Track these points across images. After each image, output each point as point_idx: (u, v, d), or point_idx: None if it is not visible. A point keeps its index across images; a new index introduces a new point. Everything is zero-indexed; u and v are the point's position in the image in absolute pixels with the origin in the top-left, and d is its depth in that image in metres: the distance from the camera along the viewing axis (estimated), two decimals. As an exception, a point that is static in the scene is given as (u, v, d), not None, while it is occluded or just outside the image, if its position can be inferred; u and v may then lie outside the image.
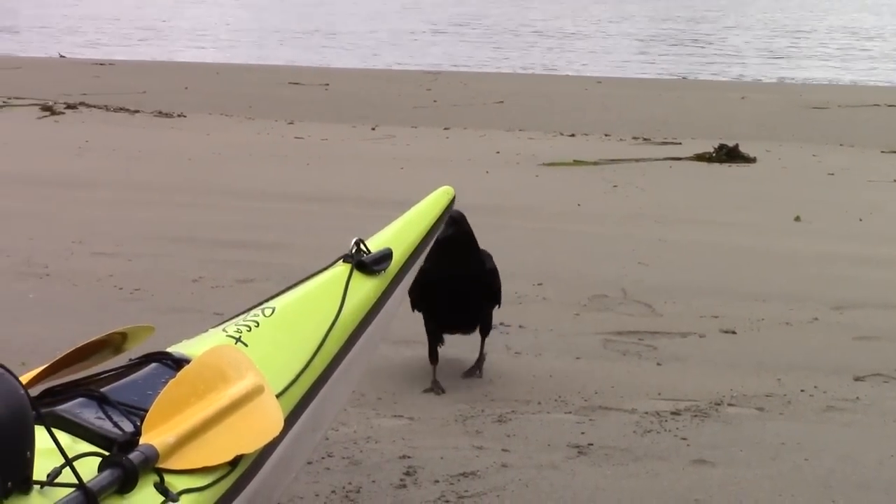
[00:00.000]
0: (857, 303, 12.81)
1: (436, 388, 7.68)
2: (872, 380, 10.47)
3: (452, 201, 7.75)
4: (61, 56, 41.96)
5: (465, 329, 8.62)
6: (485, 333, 8.38)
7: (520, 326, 11.54)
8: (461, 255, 7.71)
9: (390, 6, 71.90)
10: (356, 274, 7.04)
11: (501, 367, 10.42)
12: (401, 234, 7.45)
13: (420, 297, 8.22)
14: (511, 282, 12.74)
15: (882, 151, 24.46)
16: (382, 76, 38.01)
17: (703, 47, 53.64)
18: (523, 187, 19.12)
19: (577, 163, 21.17)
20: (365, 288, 7.06)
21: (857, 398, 10.03)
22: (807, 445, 9.08)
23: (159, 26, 59.67)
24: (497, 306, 8.46)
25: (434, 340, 8.09)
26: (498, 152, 21.69)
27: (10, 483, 4.73)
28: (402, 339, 9.86)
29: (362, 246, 7.14)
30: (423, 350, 10.18)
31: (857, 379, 10.52)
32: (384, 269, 7.16)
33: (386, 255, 7.20)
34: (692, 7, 76.41)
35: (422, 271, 7.47)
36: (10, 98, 28.02)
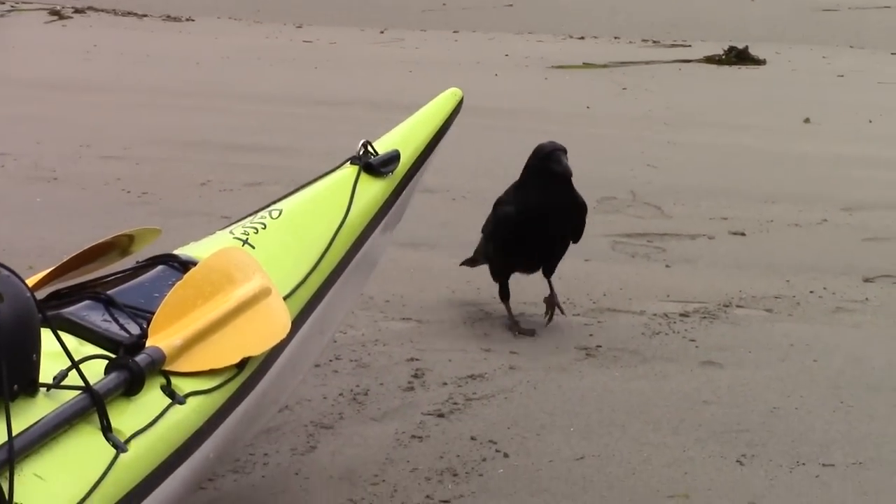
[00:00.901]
0: (867, 204, 12.86)
1: (517, 328, 7.56)
2: (882, 281, 10.54)
3: (460, 103, 7.74)
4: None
5: (546, 265, 8.29)
6: (550, 274, 8.20)
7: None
8: (566, 189, 7.55)
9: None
10: (363, 176, 7.03)
11: None
12: (408, 136, 7.44)
13: (510, 232, 7.88)
14: None
15: (892, 53, 24.61)
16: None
17: (713, -51, 53.12)
18: (532, 90, 19.16)
19: (586, 65, 21.25)
20: (372, 190, 7.06)
21: (867, 299, 10.09)
22: (816, 346, 9.12)
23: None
24: (575, 242, 8.33)
25: (506, 278, 7.95)
26: (507, 55, 21.73)
27: (16, 386, 4.72)
28: (410, 241, 9.89)
29: (370, 148, 7.14)
30: (432, 252, 10.22)
31: (866, 280, 10.59)
32: (392, 171, 7.16)
33: (393, 157, 7.20)
34: None
35: (512, 207, 7.53)
36: (18, 2, 27.93)
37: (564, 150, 7.44)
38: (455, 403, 7.94)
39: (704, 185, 13.43)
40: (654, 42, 23.75)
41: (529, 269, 8.06)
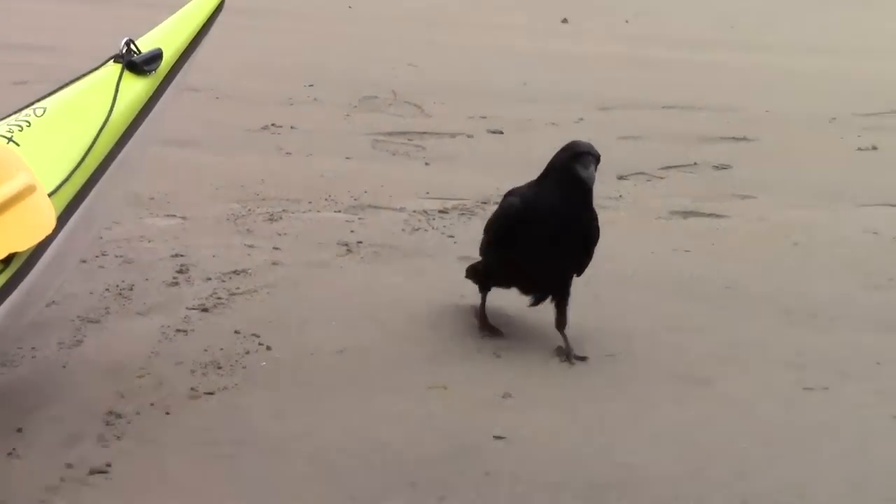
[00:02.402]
0: (621, 103, 13.08)
1: (487, 328, 7.23)
2: (635, 178, 10.73)
3: (222, 3, 7.79)
4: None
5: (534, 289, 7.28)
6: (563, 304, 7.26)
7: (291, 127, 11.65)
8: (578, 196, 6.96)
9: None
10: (127, 74, 7.12)
11: (272, 167, 10.55)
12: (171, 34, 7.50)
13: (510, 227, 7.13)
14: (282, 83, 12.86)
15: None
16: None
17: None
18: None
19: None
20: (136, 88, 7.14)
21: (620, 196, 10.30)
22: None
23: None
24: (578, 275, 7.35)
25: (487, 287, 7.27)
26: None
27: None
28: (175, 140, 9.90)
29: (133, 46, 7.21)
30: (197, 150, 10.32)
31: (620, 178, 10.81)
32: (155, 70, 7.23)
33: (156, 56, 7.27)
34: None
35: (519, 198, 7.12)
36: None
37: (598, 158, 6.93)
38: (219, 298, 8.04)
39: (464, 85, 13.59)
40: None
41: (524, 287, 7.30)
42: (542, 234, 6.85)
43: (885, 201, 10.16)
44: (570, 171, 6.79)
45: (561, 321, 6.97)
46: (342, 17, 17.09)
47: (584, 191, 6.89)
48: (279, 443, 6.36)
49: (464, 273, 7.94)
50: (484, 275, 7.19)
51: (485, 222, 8.91)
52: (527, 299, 7.07)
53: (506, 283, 7.07)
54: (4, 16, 16.27)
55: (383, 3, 18.32)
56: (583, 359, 7.12)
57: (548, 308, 7.47)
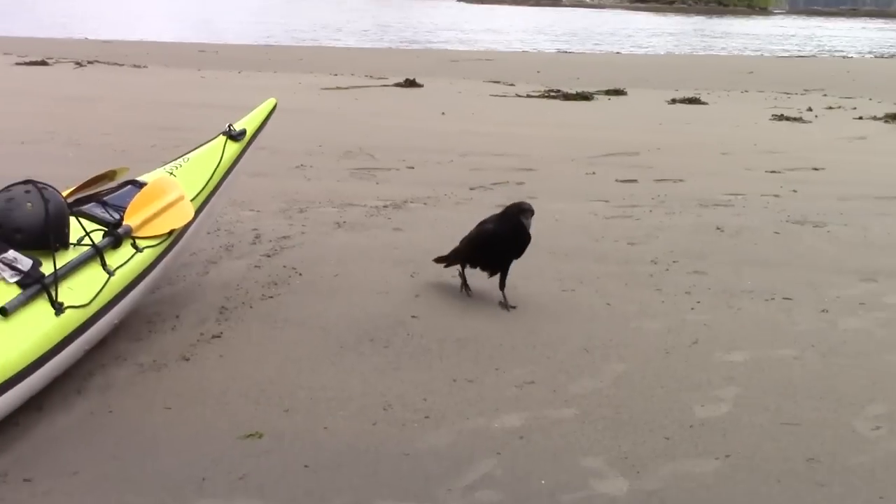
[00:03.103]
0: (472, 152, 13.04)
1: (467, 290, 6.96)
2: (479, 189, 10.70)
3: (276, 106, 8.01)
4: None
5: (492, 270, 6.91)
6: (505, 275, 6.85)
7: (311, 166, 11.70)
8: (521, 228, 6.60)
9: None
10: (228, 141, 7.37)
11: (301, 186, 10.59)
12: (250, 121, 7.74)
13: (481, 245, 6.86)
14: (307, 144, 12.78)
15: (484, 81, 24.35)
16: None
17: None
18: (311, 100, 18.93)
19: (338, 88, 21.16)
20: (233, 148, 7.41)
21: (471, 198, 10.27)
22: (449, 218, 9.10)
23: None
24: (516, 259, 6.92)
25: (469, 267, 6.98)
26: (299, 83, 21.38)
27: (58, 244, 5.39)
28: (252, 172, 9.44)
29: (232, 126, 7.47)
30: (263, 178, 10.32)
31: (471, 189, 10.72)
32: (242, 139, 7.45)
33: (243, 132, 7.54)
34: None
35: (492, 226, 6.77)
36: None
37: (532, 212, 6.66)
38: (275, 250, 8.03)
39: (395, 145, 13.42)
40: (370, 76, 23.58)
41: (485, 268, 6.89)
42: (501, 247, 6.70)
43: (599, 199, 10.24)
44: (519, 219, 6.60)
45: (502, 284, 6.76)
46: (337, 112, 16.96)
47: (524, 226, 6.62)
48: (304, 319, 6.56)
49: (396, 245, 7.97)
50: (462, 261, 6.92)
51: (405, 213, 9.00)
52: (485, 274, 6.86)
53: (474, 266, 6.86)
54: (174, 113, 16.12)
55: (355, 106, 18.17)
56: (513, 307, 6.74)
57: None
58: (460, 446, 4.88)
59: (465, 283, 7.01)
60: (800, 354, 6.11)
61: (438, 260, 7.22)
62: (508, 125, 16.06)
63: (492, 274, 6.83)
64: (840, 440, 5.00)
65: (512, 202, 6.94)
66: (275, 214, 9.23)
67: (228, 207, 8.89)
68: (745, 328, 6.56)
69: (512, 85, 22.77)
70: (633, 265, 7.90)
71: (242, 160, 7.52)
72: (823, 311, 6.91)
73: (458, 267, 7.09)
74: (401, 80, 22.10)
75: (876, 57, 42.14)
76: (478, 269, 6.97)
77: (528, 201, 6.84)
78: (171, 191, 6.57)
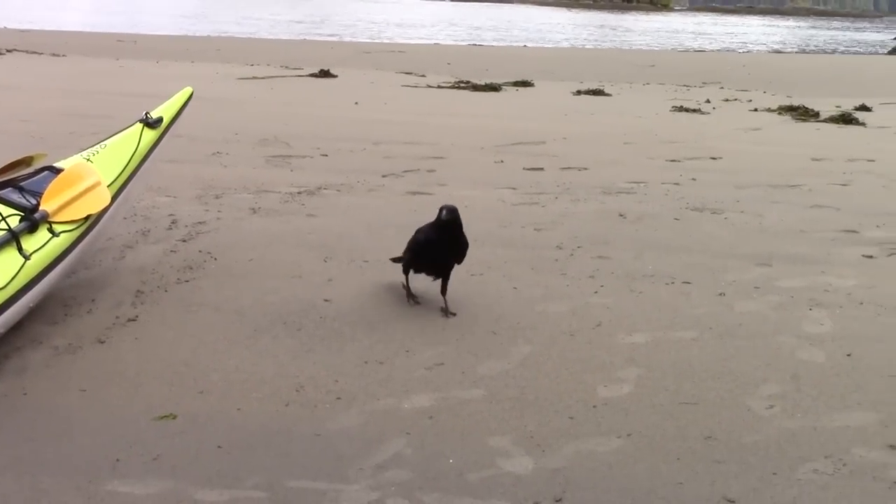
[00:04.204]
0: (384, 140, 12.99)
1: (412, 298, 6.70)
2: (390, 177, 10.65)
3: (192, 95, 7.90)
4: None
5: (434, 274, 6.53)
6: (446, 281, 6.47)
7: (227, 154, 11.60)
8: (451, 233, 6.33)
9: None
10: (145, 128, 7.25)
11: (218, 173, 10.49)
12: (166, 109, 7.63)
13: (415, 252, 6.51)
14: (223, 132, 12.67)
15: (396, 72, 24.36)
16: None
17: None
18: (228, 89, 18.85)
19: (254, 78, 21.08)
20: (149, 135, 7.29)
21: (383, 185, 10.22)
22: (362, 204, 9.19)
23: None
24: (458, 264, 6.56)
25: (412, 272, 6.78)
26: (217, 73, 21.28)
27: None
28: (169, 158, 9.00)
29: (148, 114, 7.35)
30: (180, 165, 10.20)
31: (383, 176, 10.68)
32: (158, 126, 7.34)
33: (160, 119, 7.43)
34: None
35: (423, 235, 6.45)
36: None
37: (451, 210, 6.31)
38: (191, 235, 7.95)
39: (309, 133, 13.36)
40: (286, 67, 23.49)
41: (428, 273, 6.53)
42: (435, 251, 6.37)
43: (506, 186, 10.29)
44: (452, 224, 6.26)
45: (444, 290, 6.43)
46: (253, 101, 16.86)
47: (453, 226, 6.30)
48: (218, 303, 6.49)
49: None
50: (406, 268, 6.53)
51: (319, 199, 8.96)
52: (429, 279, 6.49)
53: (418, 271, 6.47)
54: (90, 101, 15.89)
55: (270, 94, 18.08)
56: (453, 314, 6.36)
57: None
58: (371, 427, 4.85)
59: (408, 291, 6.60)
60: (698, 336, 6.15)
61: (395, 260, 6.86)
62: (420, 115, 16.03)
63: (436, 278, 6.50)
64: (736, 419, 5.03)
65: (443, 205, 6.52)
66: (191, 200, 9.12)
67: (145, 193, 8.77)
68: (646, 311, 6.58)
69: (423, 76, 22.76)
70: (540, 250, 7.90)
71: (159, 147, 7.40)
72: (721, 294, 6.96)
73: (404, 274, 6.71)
74: (316, 70, 22.03)
75: (770, 52, 42.74)
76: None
77: (451, 203, 6.49)
78: (87, 176, 6.45)
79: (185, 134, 10.25)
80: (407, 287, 6.58)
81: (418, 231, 6.49)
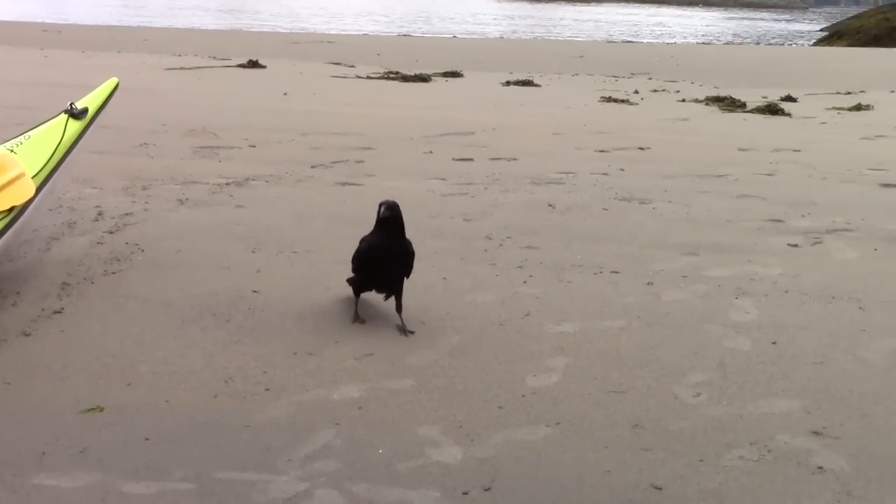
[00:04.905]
0: (313, 131, 12.97)
1: (357, 317, 6.24)
2: (319, 167, 10.64)
3: (117, 86, 7.83)
4: None
5: (385, 290, 6.11)
6: (399, 298, 6.02)
7: (154, 144, 11.49)
8: (395, 235, 5.92)
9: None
10: (70, 119, 7.17)
11: (145, 164, 10.40)
12: (92, 100, 7.55)
13: (360, 263, 6.02)
14: (150, 123, 12.60)
15: (325, 63, 24.23)
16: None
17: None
18: (154, 79, 18.66)
19: (182, 68, 20.92)
20: (74, 126, 7.21)
21: (312, 176, 10.20)
22: (290, 195, 9.15)
23: None
24: (406, 278, 6.06)
25: (359, 293, 6.33)
26: (144, 63, 21.05)
27: None
28: (95, 150, 8.94)
29: (73, 105, 7.26)
30: (105, 156, 10.08)
31: (312, 167, 10.66)
32: (84, 117, 7.27)
33: (85, 111, 7.34)
34: None
35: (366, 244, 5.98)
36: None
37: (390, 206, 5.86)
38: (118, 227, 7.88)
39: (237, 124, 13.34)
40: (214, 57, 23.31)
41: (380, 290, 6.11)
42: (378, 262, 5.92)
43: (436, 177, 10.29)
44: (394, 231, 5.86)
45: (398, 306, 6.00)
46: (181, 92, 16.73)
47: (395, 230, 5.90)
48: (146, 295, 6.45)
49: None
50: (355, 285, 6.10)
51: (247, 190, 8.92)
52: (381, 296, 6.11)
53: (368, 288, 6.06)
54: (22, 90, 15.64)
55: (196, 84, 17.95)
56: (412, 332, 5.94)
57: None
58: (300, 417, 4.84)
59: (356, 310, 6.13)
60: (626, 325, 6.20)
61: (349, 280, 6.31)
62: (349, 105, 15.99)
63: (387, 296, 6.11)
64: (663, 407, 5.08)
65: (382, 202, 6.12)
66: (117, 192, 9.05)
67: (71, 185, 8.69)
68: (574, 300, 6.62)
69: (352, 66, 22.71)
70: (469, 241, 7.92)
71: (84, 138, 7.33)
72: (648, 283, 7.03)
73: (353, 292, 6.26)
74: (244, 60, 21.92)
75: (698, 43, 43.10)
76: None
77: (391, 200, 6.07)
78: (11, 168, 6.38)
79: (111, 125, 10.15)
80: (356, 305, 6.12)
81: (361, 240, 6.04)
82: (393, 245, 5.90)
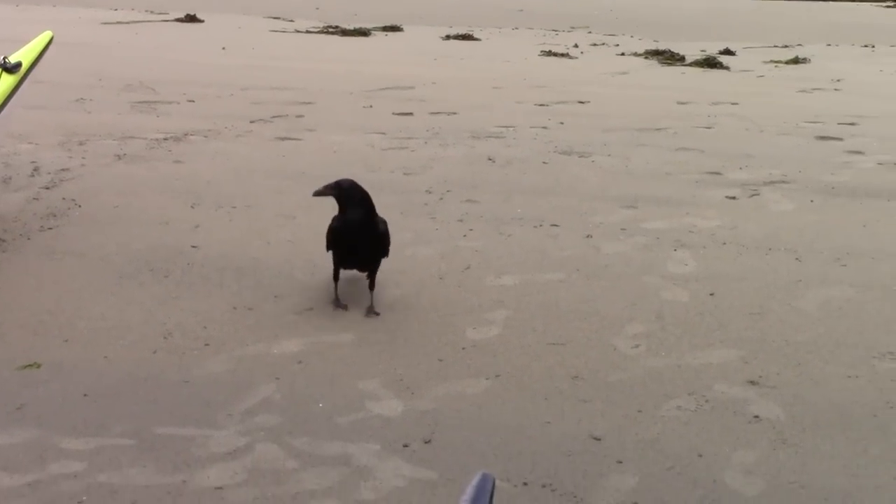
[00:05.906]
0: (252, 86, 12.82)
1: (337, 303, 6.00)
2: (259, 122, 10.56)
3: (52, 39, 7.73)
4: None
5: (360, 269, 5.84)
6: (372, 276, 5.79)
7: (90, 100, 11.34)
8: (364, 213, 5.68)
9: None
10: (4, 74, 7.04)
11: (82, 119, 10.28)
12: (25, 54, 7.43)
13: (334, 241, 5.77)
14: (86, 78, 12.42)
15: (264, 17, 24.00)
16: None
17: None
18: (91, 32, 18.41)
19: (119, 23, 20.63)
20: (8, 80, 7.10)
21: (251, 131, 10.14)
22: (229, 150, 9.11)
23: None
24: (384, 257, 5.83)
25: (337, 271, 6.06)
26: (79, 17, 20.76)
27: None
28: (29, 104, 8.64)
29: (7, 59, 7.13)
30: (42, 111, 9.98)
31: (251, 121, 10.57)
32: (17, 71, 7.15)
33: (18, 64, 7.22)
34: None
35: (340, 222, 5.69)
36: None
37: (347, 185, 5.63)
38: (54, 183, 7.82)
39: (177, 79, 13.26)
40: (151, 11, 22.99)
41: (355, 268, 5.87)
42: (349, 240, 5.66)
43: (375, 131, 10.29)
44: (362, 208, 5.59)
45: (371, 285, 5.75)
46: (118, 46, 16.51)
47: (365, 209, 5.66)
48: (83, 250, 6.41)
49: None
50: (334, 264, 5.75)
51: (186, 145, 8.86)
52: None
53: (345, 267, 5.74)
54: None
55: (135, 40, 17.73)
56: (377, 313, 5.63)
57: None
58: (239, 372, 4.83)
59: (336, 294, 5.80)
60: (566, 278, 6.23)
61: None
62: (288, 60, 15.89)
63: (362, 270, 5.84)
64: (602, 358, 5.11)
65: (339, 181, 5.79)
66: (53, 147, 8.97)
67: (5, 140, 8.58)
68: (514, 254, 6.64)
69: (291, 21, 22.54)
70: (409, 195, 7.91)
71: (18, 93, 7.20)
72: (588, 236, 7.06)
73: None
74: (181, 15, 21.68)
75: (638, -3, 43.12)
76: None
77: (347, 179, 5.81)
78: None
79: (46, 80, 10.04)
80: (335, 290, 5.80)
81: (333, 221, 5.74)
82: (361, 224, 5.65)
